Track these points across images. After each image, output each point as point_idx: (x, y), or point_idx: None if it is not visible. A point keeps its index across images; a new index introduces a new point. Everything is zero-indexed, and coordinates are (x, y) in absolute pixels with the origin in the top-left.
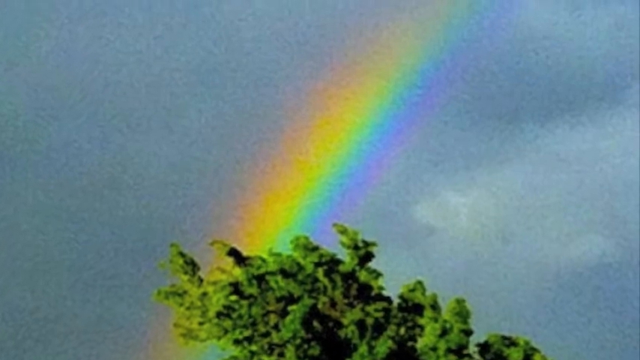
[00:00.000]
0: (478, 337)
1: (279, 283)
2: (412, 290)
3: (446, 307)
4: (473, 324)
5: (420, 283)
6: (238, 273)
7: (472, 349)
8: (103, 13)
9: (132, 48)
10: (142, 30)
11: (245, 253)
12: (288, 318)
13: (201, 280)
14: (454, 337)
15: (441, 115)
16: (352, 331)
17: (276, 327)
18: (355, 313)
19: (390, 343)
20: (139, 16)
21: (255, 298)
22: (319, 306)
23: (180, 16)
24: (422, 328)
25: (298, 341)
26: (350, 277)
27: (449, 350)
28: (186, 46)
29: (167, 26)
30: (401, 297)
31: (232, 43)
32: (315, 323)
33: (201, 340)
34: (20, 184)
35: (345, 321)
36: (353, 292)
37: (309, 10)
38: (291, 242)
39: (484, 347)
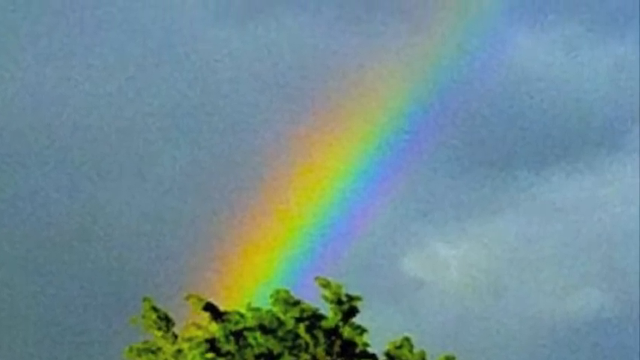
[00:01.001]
0: None
1: (258, 340)
2: (399, 347)
3: None
4: None
5: (407, 339)
6: (215, 329)
7: None
8: (72, 54)
9: (102, 90)
10: (113, 71)
11: (222, 308)
12: None
13: (175, 337)
14: None
15: (429, 162)
16: None
17: None
18: None
19: None
20: (109, 57)
21: (233, 355)
22: None
23: (153, 56)
24: None
25: None
26: (333, 333)
27: None
28: (160, 89)
29: (139, 67)
30: (387, 354)
31: (208, 85)
32: None
33: None
34: None
35: None
36: (336, 349)
37: (290, 50)
38: (271, 296)
39: None
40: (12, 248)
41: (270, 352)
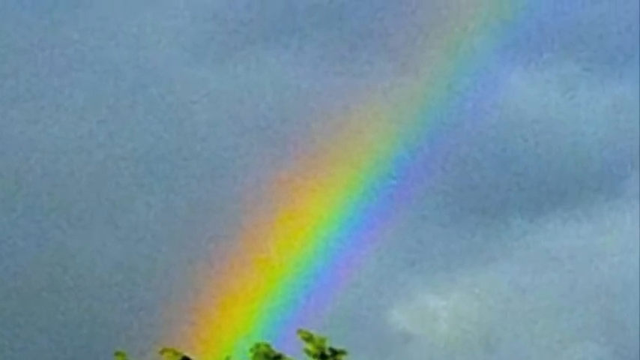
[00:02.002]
0: None
1: None
2: None
3: None
4: None
5: None
6: None
7: None
8: (40, 95)
9: (72, 133)
10: (84, 113)
11: None
12: None
13: None
14: None
15: (417, 209)
16: None
17: None
18: None
19: None
20: (79, 98)
21: None
22: None
23: (126, 97)
24: None
25: None
26: None
27: None
28: (133, 132)
29: (111, 109)
30: None
31: (184, 128)
32: None
33: None
34: None
35: None
36: None
37: (271, 90)
38: (251, 350)
39: None
40: None
41: None
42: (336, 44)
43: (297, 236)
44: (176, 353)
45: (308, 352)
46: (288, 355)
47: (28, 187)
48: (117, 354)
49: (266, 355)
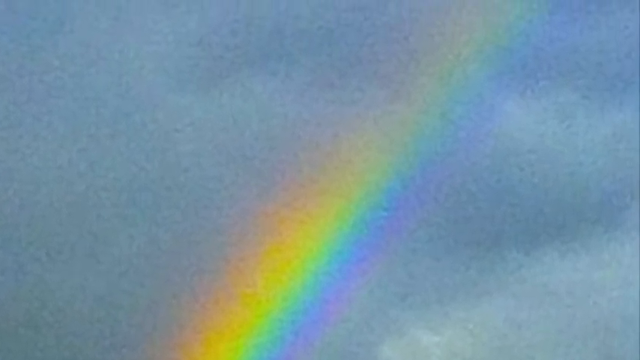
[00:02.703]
0: None
1: None
2: None
3: None
4: None
5: None
6: None
7: None
8: (18, 123)
9: (51, 163)
10: (63, 142)
11: None
12: None
13: None
14: None
15: (409, 242)
16: None
17: None
18: None
19: None
20: (59, 126)
21: None
22: None
23: (108, 125)
24: None
25: None
26: None
27: None
28: (115, 161)
29: (92, 138)
30: None
31: (168, 158)
32: None
33: None
34: None
35: None
36: None
37: (257, 119)
38: None
39: None
40: None
41: None
42: (324, 71)
43: (285, 270)
44: None
45: None
46: None
47: (5, 219)
48: None
49: None
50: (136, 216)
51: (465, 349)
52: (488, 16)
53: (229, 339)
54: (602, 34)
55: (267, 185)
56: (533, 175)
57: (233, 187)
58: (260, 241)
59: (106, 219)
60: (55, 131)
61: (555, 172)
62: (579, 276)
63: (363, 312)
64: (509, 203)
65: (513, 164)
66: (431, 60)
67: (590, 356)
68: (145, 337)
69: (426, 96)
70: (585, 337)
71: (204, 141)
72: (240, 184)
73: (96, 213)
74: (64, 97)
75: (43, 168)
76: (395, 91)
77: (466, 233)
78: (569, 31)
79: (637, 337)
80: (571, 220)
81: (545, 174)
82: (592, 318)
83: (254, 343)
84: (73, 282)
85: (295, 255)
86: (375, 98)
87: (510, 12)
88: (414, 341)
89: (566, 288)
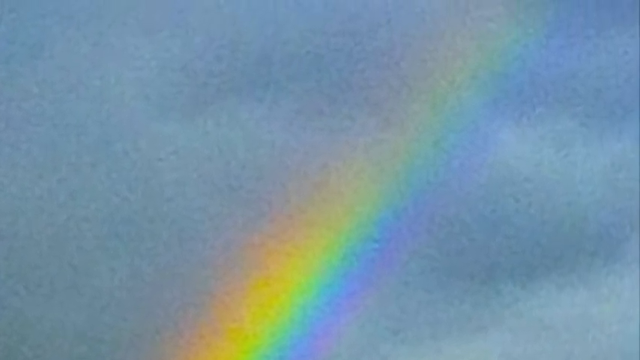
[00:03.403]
0: None
1: None
2: None
3: None
4: None
5: None
6: None
7: None
8: None
9: (30, 193)
10: (42, 171)
11: None
12: None
13: None
14: None
15: (401, 275)
16: None
17: None
18: None
19: None
20: (38, 155)
21: None
22: None
23: (89, 154)
24: None
25: None
26: None
27: None
28: (96, 191)
29: (73, 167)
30: None
31: (150, 187)
32: None
33: None
34: None
35: None
36: None
37: (243, 147)
38: None
39: None
40: None
41: None
42: (313, 97)
43: (272, 304)
44: None
45: None
46: None
47: None
48: None
49: None
50: (118, 248)
51: None
52: (483, 40)
53: None
54: (601, 59)
55: (253, 216)
56: (529, 205)
57: (218, 218)
58: (246, 274)
59: (86, 251)
60: (34, 160)
61: (552, 203)
62: (577, 310)
63: (353, 348)
64: (505, 235)
65: (509, 194)
66: (423, 86)
67: None
68: None
69: (419, 124)
70: None
71: (188, 170)
72: (226, 214)
73: (76, 244)
74: (42, 125)
75: (21, 198)
76: (386, 118)
77: (460, 266)
78: (566, 56)
79: None
80: (569, 252)
81: (541, 204)
82: (591, 354)
83: None
84: (52, 316)
85: (283, 288)
86: (366, 126)
87: (506, 36)
88: None
89: (563, 323)
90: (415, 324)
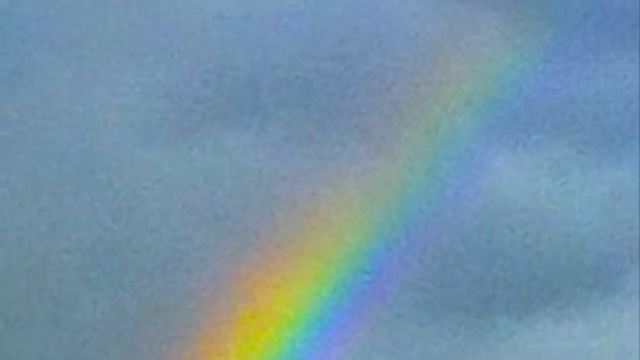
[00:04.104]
0: None
1: None
2: None
3: None
4: None
5: None
6: None
7: None
8: None
9: (10, 223)
10: (23, 200)
11: None
12: None
13: None
14: None
15: (393, 307)
16: None
17: None
18: None
19: None
20: (18, 183)
21: None
22: None
23: (70, 183)
24: None
25: None
26: None
27: None
28: (78, 221)
29: (54, 196)
30: None
31: (134, 217)
32: None
33: None
34: None
35: None
36: None
37: (229, 175)
38: None
39: None
40: None
41: None
42: (302, 124)
43: (260, 337)
44: None
45: None
46: None
47: None
48: None
49: None
50: (101, 279)
51: None
52: (477, 64)
53: None
54: (600, 84)
55: (240, 246)
56: (525, 235)
57: (204, 249)
58: (233, 306)
59: (68, 282)
60: (14, 189)
61: (549, 233)
62: (575, 344)
63: None
64: (500, 266)
65: (504, 224)
66: (416, 113)
67: None
68: None
69: (411, 151)
70: None
71: (174, 199)
72: (212, 245)
73: (57, 276)
74: (23, 152)
75: (1, 229)
76: (377, 145)
77: (454, 298)
78: (564, 81)
79: None
80: (566, 284)
81: (538, 235)
82: None
83: None
84: (32, 350)
85: (271, 321)
86: (356, 153)
87: (501, 60)
88: None
89: (560, 357)
90: (408, 358)
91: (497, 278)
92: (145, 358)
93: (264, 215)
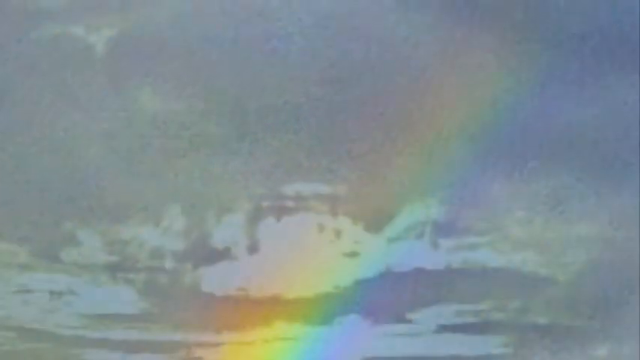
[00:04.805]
0: None
1: None
2: None
3: None
4: None
5: None
6: None
7: None
8: None
9: None
10: (2, 230)
11: None
12: None
13: None
14: None
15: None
16: None
17: None
18: None
19: None
20: None
21: None
22: None
23: (52, 211)
24: None
25: None
26: None
27: None
28: (61, 250)
29: (34, 225)
30: None
31: (119, 246)
32: None
33: None
34: None
35: None
36: None
37: (217, 205)
38: None
39: None
40: None
41: None
42: (291, 149)
43: None
44: None
45: None
46: None
47: None
48: None
49: None
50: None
51: None
52: (473, 89)
53: None
54: (599, 109)
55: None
56: (522, 263)
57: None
58: (220, 340)
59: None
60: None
61: (547, 263)
62: None
63: None
64: (499, 289)
65: (501, 250)
66: (409, 139)
67: None
68: None
69: (404, 177)
70: None
71: (159, 228)
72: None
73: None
74: (3, 180)
75: None
76: (369, 172)
77: None
78: (561, 106)
79: None
80: (564, 314)
81: (536, 264)
82: None
83: None
84: None
85: (258, 356)
86: (347, 180)
87: (496, 85)
88: None
89: None
90: None
91: (493, 303)
92: None
93: (253, 243)
